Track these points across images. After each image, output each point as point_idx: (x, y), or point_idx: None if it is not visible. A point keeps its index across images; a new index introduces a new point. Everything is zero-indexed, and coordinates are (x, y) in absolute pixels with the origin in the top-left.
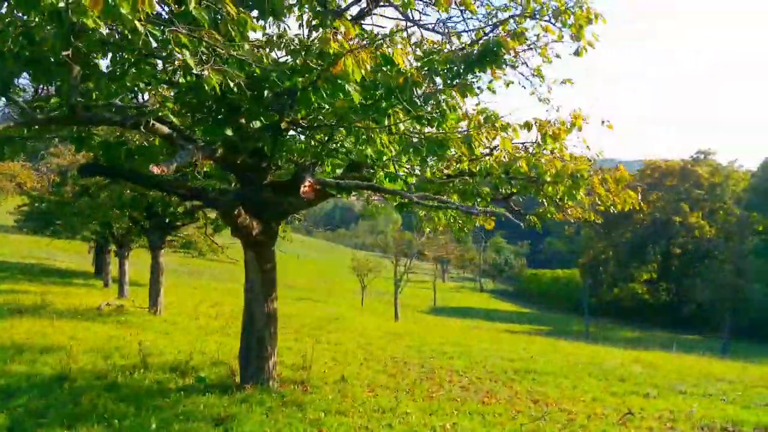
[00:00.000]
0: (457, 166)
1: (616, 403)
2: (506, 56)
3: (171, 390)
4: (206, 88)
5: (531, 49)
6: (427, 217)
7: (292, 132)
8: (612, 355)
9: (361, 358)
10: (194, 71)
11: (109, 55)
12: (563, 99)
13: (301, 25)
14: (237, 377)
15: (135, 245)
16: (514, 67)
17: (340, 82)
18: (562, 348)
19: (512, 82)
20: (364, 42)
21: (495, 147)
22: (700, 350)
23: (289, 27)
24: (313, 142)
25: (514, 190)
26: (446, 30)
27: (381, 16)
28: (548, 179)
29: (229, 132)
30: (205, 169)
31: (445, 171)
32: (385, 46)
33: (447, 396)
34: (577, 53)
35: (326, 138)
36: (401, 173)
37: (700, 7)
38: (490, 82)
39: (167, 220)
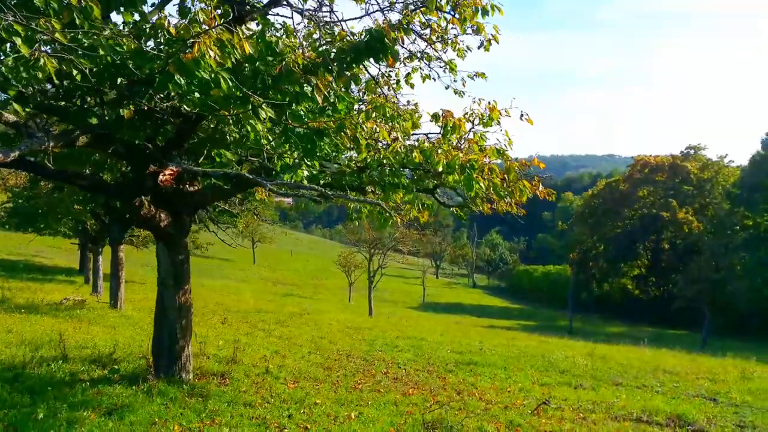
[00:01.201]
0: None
1: (541, 393)
2: (398, 47)
3: (81, 381)
4: (40, 75)
5: (441, 41)
6: (356, 210)
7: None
8: (570, 348)
9: (305, 352)
10: (28, 57)
11: None
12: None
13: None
14: (153, 369)
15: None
16: (429, 59)
17: (198, 69)
18: (520, 341)
19: (428, 76)
20: (249, 34)
21: (395, 138)
22: (678, 345)
23: (170, 15)
24: (200, 132)
25: (436, 182)
26: (336, 19)
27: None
28: (440, 170)
29: (94, 120)
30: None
31: (357, 163)
32: (269, 34)
33: (373, 387)
34: (482, 47)
35: (210, 127)
36: (301, 165)
37: None
38: (408, 74)
39: (127, 215)
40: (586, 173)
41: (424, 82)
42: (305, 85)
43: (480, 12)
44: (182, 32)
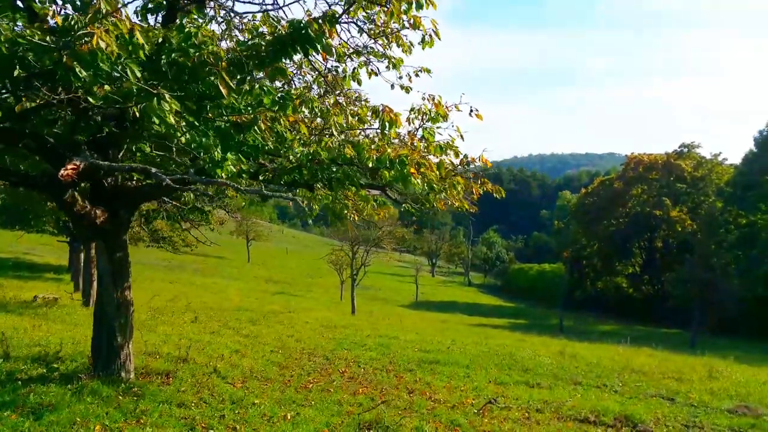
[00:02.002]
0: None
1: (494, 392)
2: (330, 40)
3: (17, 380)
4: None
5: (384, 36)
6: (308, 206)
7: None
8: (545, 347)
9: (267, 351)
10: None
11: None
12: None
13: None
14: (93, 368)
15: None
16: (369, 54)
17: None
18: (496, 339)
19: (375, 73)
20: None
21: (327, 132)
22: (667, 344)
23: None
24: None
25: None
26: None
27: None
28: (370, 165)
29: None
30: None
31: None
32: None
33: (324, 387)
34: (422, 42)
35: (128, 121)
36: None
37: None
38: (354, 70)
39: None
40: (584, 171)
41: (370, 78)
42: (212, 77)
43: (414, 5)
44: (73, 23)
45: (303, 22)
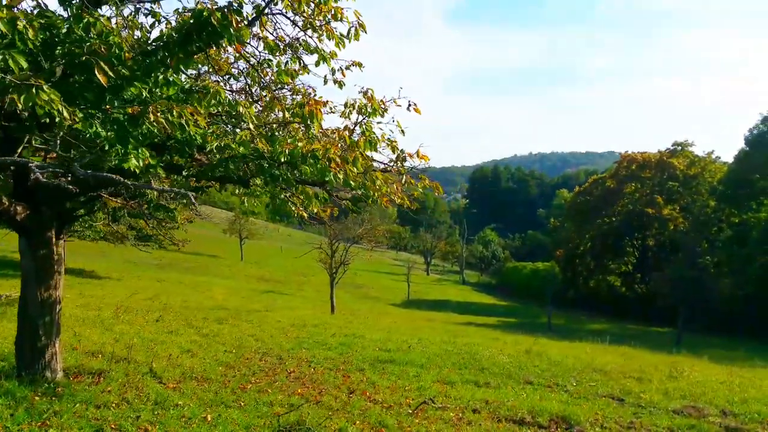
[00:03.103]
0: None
1: (439, 392)
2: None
3: None
4: None
5: (310, 28)
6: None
7: None
8: (516, 345)
9: (221, 350)
10: None
11: None
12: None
13: None
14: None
15: (65, 237)
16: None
17: None
18: (467, 338)
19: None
20: None
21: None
22: (653, 342)
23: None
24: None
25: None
26: None
27: None
28: (282, 159)
29: None
30: None
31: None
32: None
33: (263, 387)
34: (348, 36)
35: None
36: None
37: None
38: (287, 63)
39: (65, 211)
40: (583, 170)
41: (303, 72)
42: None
43: None
44: None
45: (206, 11)
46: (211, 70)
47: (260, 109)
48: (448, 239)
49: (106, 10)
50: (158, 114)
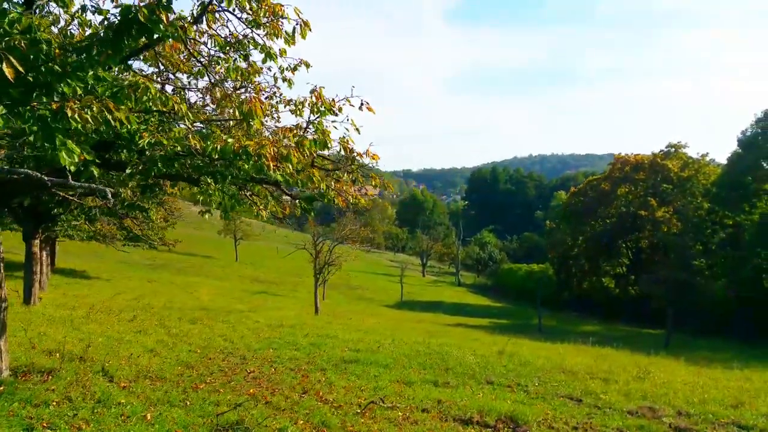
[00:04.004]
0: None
1: (394, 391)
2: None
3: None
4: None
5: (255, 25)
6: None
7: None
8: (492, 345)
9: (186, 350)
10: None
11: None
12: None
13: None
14: None
15: (40, 236)
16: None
17: None
18: (443, 338)
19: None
20: None
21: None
22: (639, 345)
23: None
24: None
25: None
26: None
27: None
28: (215, 156)
29: None
30: None
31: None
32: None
33: (216, 387)
34: (293, 34)
35: None
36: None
37: None
38: (235, 61)
39: (40, 210)
40: (581, 172)
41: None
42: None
43: None
44: None
45: (133, 7)
46: (169, 68)
47: (213, 107)
48: (445, 240)
49: (54, 8)
50: (77, 110)
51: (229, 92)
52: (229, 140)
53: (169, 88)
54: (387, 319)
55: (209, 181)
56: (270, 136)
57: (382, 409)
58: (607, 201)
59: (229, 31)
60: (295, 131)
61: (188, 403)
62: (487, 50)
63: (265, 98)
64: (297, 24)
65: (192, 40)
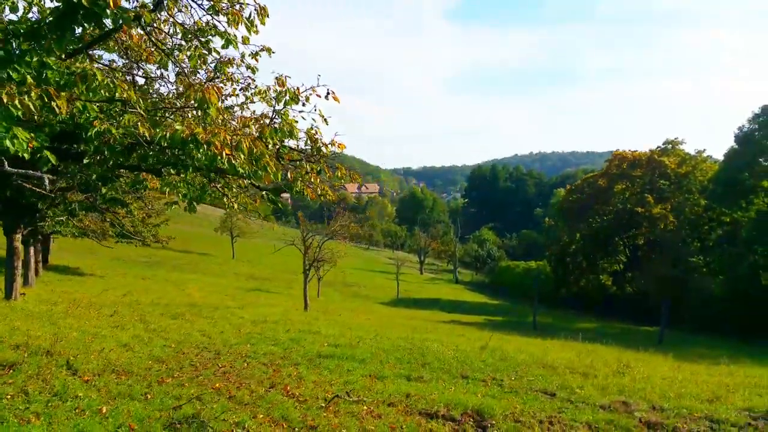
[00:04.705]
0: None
1: (364, 385)
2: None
3: None
4: None
5: (216, 13)
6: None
7: None
8: (472, 342)
9: (160, 345)
10: None
11: None
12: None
13: None
14: None
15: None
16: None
17: None
18: (421, 333)
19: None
20: None
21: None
22: (632, 341)
23: None
24: None
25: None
26: None
27: None
28: (164, 144)
29: None
30: None
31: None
32: None
33: (182, 381)
34: (251, 19)
35: None
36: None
37: None
38: (196, 48)
39: (23, 203)
40: (581, 169)
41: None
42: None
43: None
44: None
45: None
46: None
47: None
48: (443, 238)
49: None
50: (15, 96)
51: (195, 82)
52: (178, 127)
53: (144, 81)
54: (380, 316)
55: (172, 171)
56: (235, 125)
57: (347, 403)
58: (605, 198)
59: (193, 19)
60: (261, 120)
61: (149, 396)
62: (487, 50)
63: (240, 89)
64: (254, 9)
65: (156, 29)
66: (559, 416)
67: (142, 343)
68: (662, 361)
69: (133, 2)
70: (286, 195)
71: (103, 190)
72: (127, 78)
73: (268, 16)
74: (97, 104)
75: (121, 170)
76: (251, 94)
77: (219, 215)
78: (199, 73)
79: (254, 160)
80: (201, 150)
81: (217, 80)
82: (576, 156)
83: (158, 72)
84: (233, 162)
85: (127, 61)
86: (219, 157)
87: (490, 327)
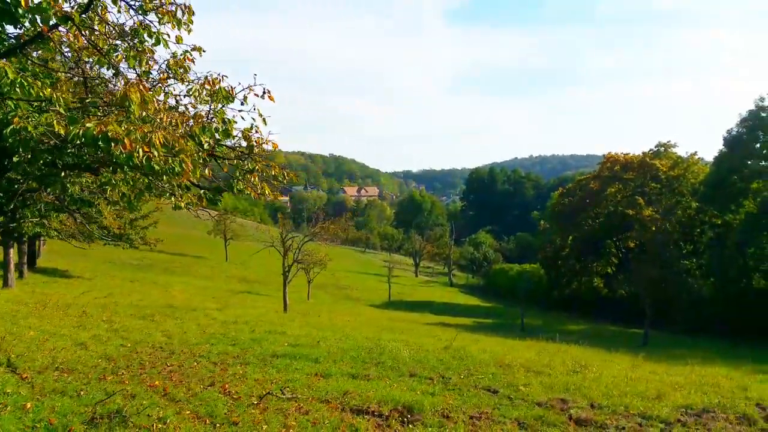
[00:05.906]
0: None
1: (305, 383)
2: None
3: None
4: None
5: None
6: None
7: None
8: (438, 342)
9: (118, 345)
10: None
11: None
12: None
13: None
14: None
15: None
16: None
17: None
18: (391, 333)
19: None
20: None
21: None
22: (618, 343)
23: None
24: None
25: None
26: None
27: None
28: (77, 142)
29: None
30: None
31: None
32: None
33: (123, 379)
34: (177, 17)
35: None
36: None
37: None
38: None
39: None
40: (578, 172)
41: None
42: None
43: None
44: None
45: None
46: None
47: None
48: (439, 241)
49: None
50: None
51: (132, 82)
52: (89, 125)
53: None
54: (365, 318)
55: (107, 171)
56: (164, 124)
57: (280, 401)
58: (597, 200)
59: (126, 19)
60: (197, 120)
61: (82, 393)
62: (487, 50)
63: (185, 90)
64: (179, 7)
65: (90, 30)
66: (491, 412)
67: (99, 343)
68: (628, 361)
69: (73, 3)
70: (284, 198)
71: (71, 190)
72: (74, 78)
73: (194, 14)
74: (15, 101)
75: (63, 170)
76: (185, 94)
77: (213, 217)
78: (151, 73)
79: (173, 157)
80: (111, 147)
81: (170, 80)
82: (576, 159)
83: (100, 71)
84: (150, 159)
85: (67, 61)
86: (135, 154)
87: (476, 329)
